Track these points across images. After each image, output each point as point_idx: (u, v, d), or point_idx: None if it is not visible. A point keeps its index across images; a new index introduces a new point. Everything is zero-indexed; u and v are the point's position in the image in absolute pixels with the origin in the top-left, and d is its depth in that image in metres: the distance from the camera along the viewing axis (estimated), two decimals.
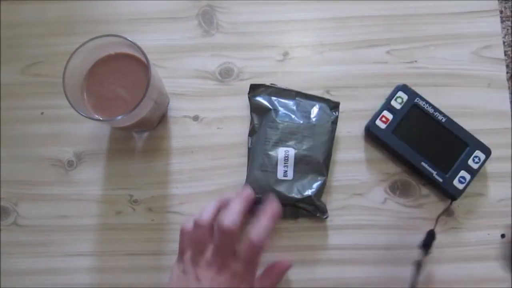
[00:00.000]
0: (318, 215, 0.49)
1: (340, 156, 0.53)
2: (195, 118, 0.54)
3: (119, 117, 0.42)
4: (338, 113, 0.51)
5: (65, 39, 0.56)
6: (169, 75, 0.55)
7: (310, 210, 0.49)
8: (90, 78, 0.46)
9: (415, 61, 0.55)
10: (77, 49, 0.44)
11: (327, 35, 0.56)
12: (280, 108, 0.50)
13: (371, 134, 0.51)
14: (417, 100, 0.51)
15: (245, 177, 0.50)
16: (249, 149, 0.51)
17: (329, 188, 0.51)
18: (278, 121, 0.49)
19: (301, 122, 0.49)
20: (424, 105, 0.51)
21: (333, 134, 0.50)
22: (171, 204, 0.52)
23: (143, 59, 0.44)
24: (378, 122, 0.51)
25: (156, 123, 0.53)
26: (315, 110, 0.50)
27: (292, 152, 0.48)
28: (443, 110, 0.51)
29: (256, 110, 0.51)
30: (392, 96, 0.52)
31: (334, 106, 0.51)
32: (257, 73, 0.55)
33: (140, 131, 0.53)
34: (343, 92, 0.54)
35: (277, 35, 0.56)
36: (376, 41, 0.55)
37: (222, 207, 0.45)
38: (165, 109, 0.54)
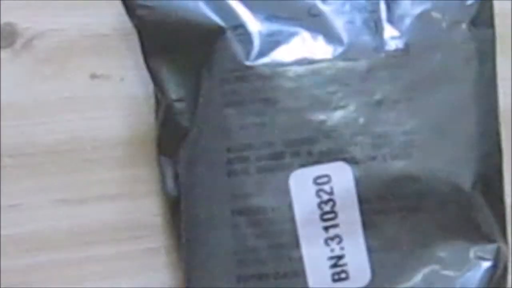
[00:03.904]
0: None
1: None
2: None
3: None
4: None
5: None
6: None
7: None
8: None
9: None
10: None
11: None
12: (260, 17, 0.21)
13: None
14: None
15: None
16: (172, 200, 0.23)
17: None
18: (259, 66, 0.20)
19: (349, 52, 0.21)
20: None
21: (490, 64, 0.21)
22: None
23: None
24: None
25: None
26: None
27: (346, 177, 0.20)
28: None
29: (169, 46, 0.21)
30: None
31: None
32: None
33: None
34: None
35: None
36: None
37: None
38: None
